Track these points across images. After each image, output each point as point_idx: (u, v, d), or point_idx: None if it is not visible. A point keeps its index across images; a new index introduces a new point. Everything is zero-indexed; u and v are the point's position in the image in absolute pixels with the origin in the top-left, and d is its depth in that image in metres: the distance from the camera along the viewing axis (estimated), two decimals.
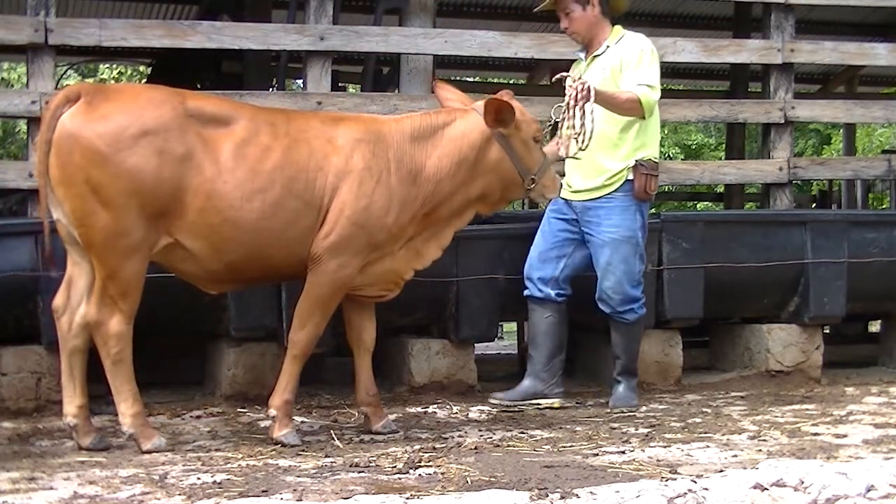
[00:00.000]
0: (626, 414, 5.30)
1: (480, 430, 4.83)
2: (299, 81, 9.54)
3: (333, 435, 4.60)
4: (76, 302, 4.31)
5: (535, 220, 5.72)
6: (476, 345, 6.26)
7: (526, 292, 5.56)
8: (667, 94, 13.83)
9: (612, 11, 5.43)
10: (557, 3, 5.37)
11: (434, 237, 4.72)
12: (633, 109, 5.14)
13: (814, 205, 12.28)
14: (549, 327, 5.51)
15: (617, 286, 5.40)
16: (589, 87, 4.82)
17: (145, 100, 4.29)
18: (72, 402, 4.30)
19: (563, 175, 5.39)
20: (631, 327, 5.53)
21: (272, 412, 4.48)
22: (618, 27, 5.43)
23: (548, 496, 3.27)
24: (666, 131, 22.28)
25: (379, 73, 8.92)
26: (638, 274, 5.46)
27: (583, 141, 4.81)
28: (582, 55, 5.52)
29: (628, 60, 5.23)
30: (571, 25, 5.36)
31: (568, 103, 4.84)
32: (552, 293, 5.48)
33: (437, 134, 4.63)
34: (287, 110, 4.99)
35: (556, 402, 5.48)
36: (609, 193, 5.34)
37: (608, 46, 5.34)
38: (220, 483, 3.60)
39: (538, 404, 5.43)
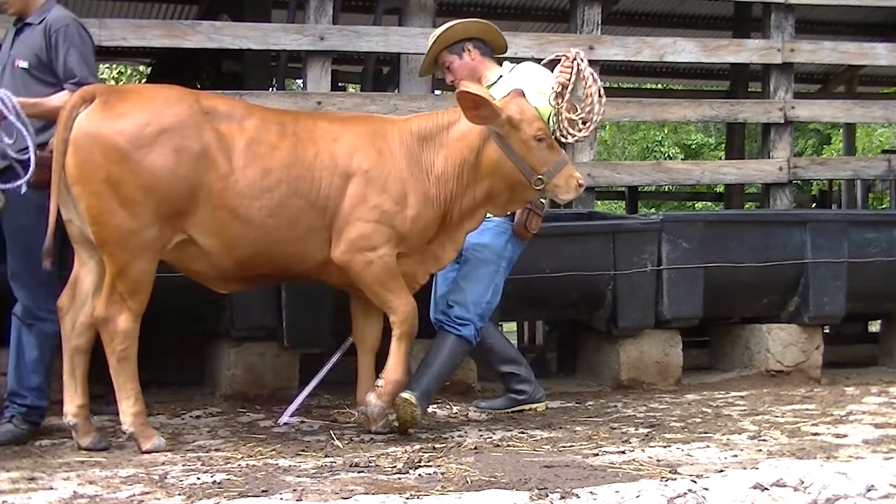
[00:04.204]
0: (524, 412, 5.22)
1: (480, 430, 4.83)
2: (299, 81, 9.55)
3: (333, 435, 4.60)
4: (81, 301, 4.32)
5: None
6: None
7: (448, 331, 5.05)
8: (667, 94, 13.94)
9: (493, 51, 5.29)
10: (437, 63, 5.28)
11: (448, 240, 4.70)
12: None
13: (814, 205, 12.29)
14: (493, 353, 5.42)
15: (460, 299, 4.98)
16: (588, 66, 4.75)
17: (162, 98, 4.33)
18: (72, 402, 4.30)
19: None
20: (455, 343, 4.98)
21: (380, 386, 4.52)
22: (507, 62, 5.31)
23: (548, 496, 3.27)
24: (666, 131, 22.31)
25: (379, 73, 8.93)
26: (485, 303, 5.00)
27: (593, 120, 4.75)
28: None
29: (536, 86, 4.99)
30: (456, 75, 5.18)
31: (565, 83, 4.76)
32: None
33: (441, 134, 4.62)
34: (297, 111, 5.02)
35: (539, 406, 5.44)
36: (490, 217, 5.04)
37: (501, 76, 5.20)
38: (220, 483, 3.60)
39: (521, 410, 5.41)
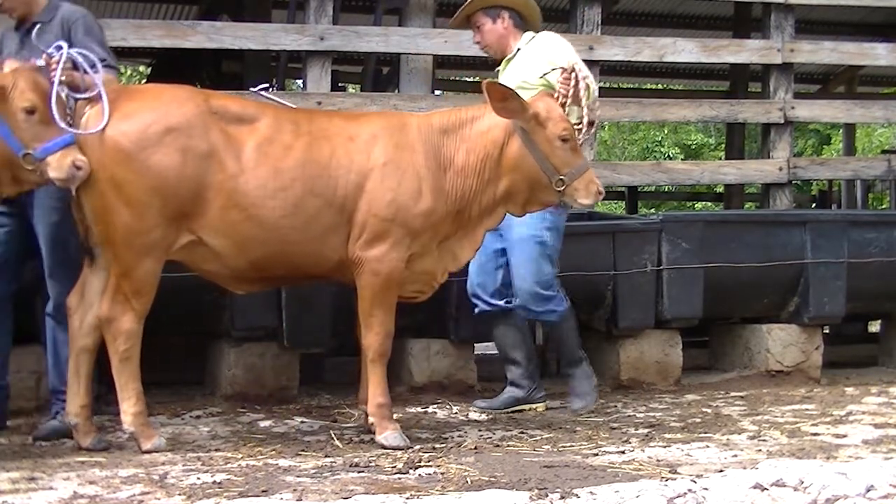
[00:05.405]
0: (591, 411, 5.31)
1: (480, 430, 4.83)
2: (299, 81, 9.55)
3: (333, 435, 4.60)
4: (89, 302, 4.31)
5: None
6: (476, 345, 6.27)
7: (476, 310, 5.45)
8: (667, 94, 13.95)
9: (527, 25, 5.36)
10: (469, 18, 5.35)
11: (467, 237, 4.66)
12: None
13: (814, 205, 12.29)
14: (512, 336, 5.45)
15: (526, 285, 5.22)
16: (587, 77, 4.82)
17: (168, 98, 4.32)
18: (74, 402, 4.30)
19: None
20: (559, 326, 5.37)
21: (370, 420, 4.48)
22: (529, 32, 5.37)
23: (548, 496, 3.27)
24: (666, 131, 22.31)
25: (379, 73, 8.93)
26: (548, 275, 5.25)
27: (586, 130, 4.80)
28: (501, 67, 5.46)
29: (549, 58, 5.11)
30: (483, 38, 5.31)
31: (562, 96, 4.81)
32: (501, 303, 5.38)
33: (464, 128, 4.58)
34: (310, 109, 5.00)
35: (539, 406, 5.46)
36: None
37: (519, 49, 5.29)
38: (220, 483, 3.60)
39: (521, 410, 5.42)
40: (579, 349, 5.45)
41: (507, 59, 5.32)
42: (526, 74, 5.13)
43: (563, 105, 4.79)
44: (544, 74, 5.04)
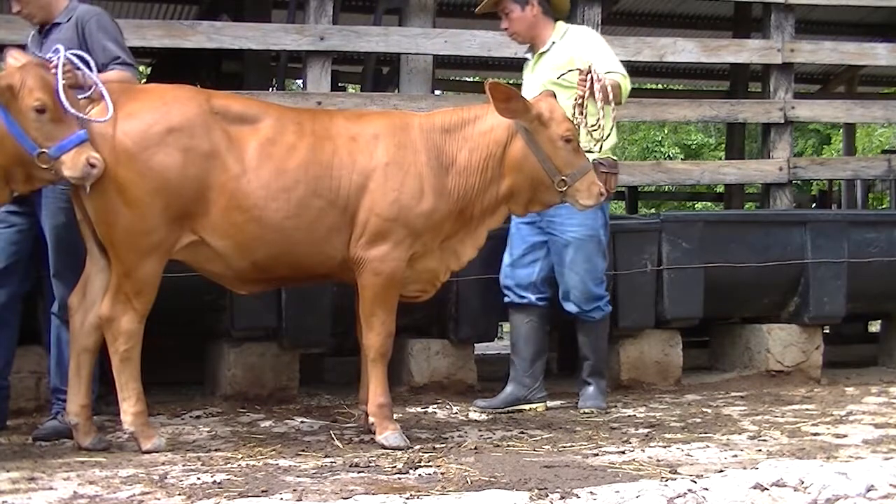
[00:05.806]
0: (595, 414, 5.33)
1: (480, 430, 4.83)
2: (299, 81, 9.55)
3: (333, 435, 4.60)
4: (90, 302, 4.30)
5: None
6: (476, 345, 6.27)
7: (506, 300, 5.53)
8: (667, 94, 13.95)
9: (555, 11, 5.42)
10: (497, 4, 5.39)
11: (469, 237, 4.65)
12: (615, 98, 5.07)
13: (814, 205, 12.29)
14: (529, 332, 5.49)
15: (581, 285, 5.39)
16: (603, 79, 4.83)
17: (171, 98, 4.31)
18: (74, 402, 4.30)
19: None
20: (598, 326, 5.54)
21: (371, 420, 4.48)
22: (561, 23, 5.43)
23: (548, 496, 3.27)
24: (666, 131, 22.30)
25: (379, 73, 8.93)
26: (601, 272, 5.47)
27: (601, 136, 4.81)
28: (529, 55, 5.52)
29: (585, 53, 5.18)
30: (511, 26, 5.38)
31: (579, 97, 4.83)
32: (532, 297, 5.46)
33: (467, 127, 4.57)
34: (313, 109, 4.99)
35: (539, 406, 5.47)
36: None
37: (553, 42, 5.35)
38: (220, 483, 3.60)
39: (521, 410, 5.43)
40: (605, 361, 5.63)
41: (540, 52, 5.35)
42: (552, 74, 5.16)
43: (579, 105, 4.80)
44: (561, 76, 5.05)
